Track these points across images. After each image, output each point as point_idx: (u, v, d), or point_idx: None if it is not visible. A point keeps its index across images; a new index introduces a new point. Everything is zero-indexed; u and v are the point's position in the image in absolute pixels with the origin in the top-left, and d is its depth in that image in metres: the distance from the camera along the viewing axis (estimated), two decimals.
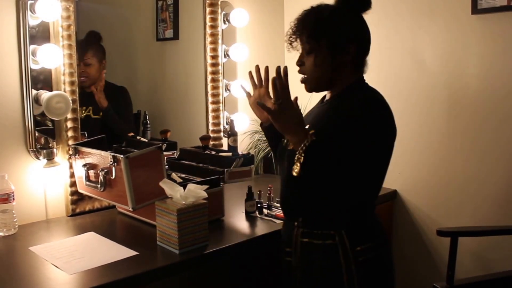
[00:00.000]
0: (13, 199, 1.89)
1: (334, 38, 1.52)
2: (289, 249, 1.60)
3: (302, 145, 1.39)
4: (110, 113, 2.37)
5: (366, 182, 1.49)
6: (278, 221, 1.99)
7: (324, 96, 1.69)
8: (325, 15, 1.53)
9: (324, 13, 1.53)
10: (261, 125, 1.83)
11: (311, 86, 1.59)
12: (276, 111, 1.41)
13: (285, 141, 1.61)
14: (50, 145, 2.06)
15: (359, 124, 1.44)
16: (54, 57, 1.97)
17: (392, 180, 2.54)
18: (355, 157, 1.42)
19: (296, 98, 1.48)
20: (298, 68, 1.62)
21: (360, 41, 1.55)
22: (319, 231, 1.52)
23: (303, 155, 1.38)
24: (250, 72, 1.83)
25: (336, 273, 1.50)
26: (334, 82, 1.57)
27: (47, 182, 2.10)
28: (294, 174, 1.39)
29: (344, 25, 1.53)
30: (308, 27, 1.53)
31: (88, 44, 2.32)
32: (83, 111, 2.30)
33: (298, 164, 1.38)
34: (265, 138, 2.77)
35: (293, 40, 1.59)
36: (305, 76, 1.59)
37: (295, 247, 1.58)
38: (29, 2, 1.94)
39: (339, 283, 1.50)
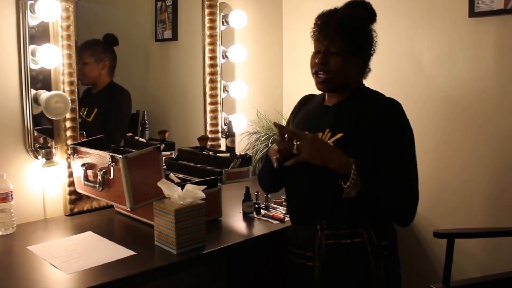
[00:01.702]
0: (12, 198, 1.90)
1: (363, 43, 1.59)
2: (310, 254, 1.60)
3: (353, 170, 1.41)
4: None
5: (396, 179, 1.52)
6: (275, 222, 2.00)
7: (323, 98, 1.70)
8: (359, 19, 1.59)
9: (358, 16, 1.59)
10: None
11: (332, 85, 1.59)
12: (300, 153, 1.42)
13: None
14: (49, 144, 2.06)
15: (400, 129, 1.53)
16: (53, 57, 1.98)
17: None
18: (395, 158, 1.49)
19: None
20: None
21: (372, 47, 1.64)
22: (346, 230, 1.54)
23: (357, 177, 1.41)
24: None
25: (366, 269, 1.53)
26: (348, 84, 1.60)
27: (46, 181, 2.10)
28: (353, 194, 1.41)
29: (369, 31, 1.61)
30: (345, 28, 1.54)
31: (89, 44, 2.34)
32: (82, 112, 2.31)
33: (354, 186, 1.41)
34: (263, 139, 2.80)
35: (321, 35, 1.57)
36: (328, 74, 1.56)
37: (318, 250, 1.58)
38: (29, 2, 1.95)
39: (369, 278, 1.53)
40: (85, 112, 2.32)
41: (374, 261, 1.53)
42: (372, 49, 1.63)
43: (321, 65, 1.56)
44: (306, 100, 1.80)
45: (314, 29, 1.60)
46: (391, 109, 1.53)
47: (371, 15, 1.63)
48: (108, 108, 2.44)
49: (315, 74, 1.59)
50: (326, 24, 1.55)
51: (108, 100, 2.45)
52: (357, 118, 1.55)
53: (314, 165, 1.52)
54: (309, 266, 1.60)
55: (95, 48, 2.37)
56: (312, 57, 1.61)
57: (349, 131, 1.53)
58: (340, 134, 1.53)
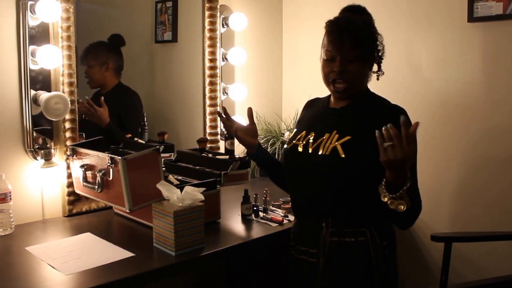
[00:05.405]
0: (10, 198, 1.90)
1: (376, 48, 1.63)
2: (314, 251, 1.61)
3: (405, 187, 1.40)
4: (111, 129, 2.36)
5: None
6: (273, 224, 2.01)
7: (328, 101, 1.71)
8: (370, 25, 1.62)
9: (368, 22, 1.62)
10: (247, 154, 1.92)
11: (351, 92, 1.61)
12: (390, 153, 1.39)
13: (299, 148, 1.64)
14: (48, 145, 2.06)
15: None
16: (53, 58, 1.98)
17: None
18: None
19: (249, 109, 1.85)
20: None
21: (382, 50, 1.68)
22: (351, 229, 1.57)
23: (406, 195, 1.41)
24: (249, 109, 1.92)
25: (367, 268, 1.56)
26: (360, 89, 1.64)
27: (44, 182, 2.10)
28: (401, 208, 1.40)
29: (378, 35, 1.64)
30: (360, 35, 1.56)
31: (93, 46, 2.35)
32: None
33: (402, 200, 1.41)
34: (262, 142, 2.80)
35: (336, 43, 1.56)
36: (347, 83, 1.58)
37: (323, 247, 1.60)
38: (29, 3, 1.95)
39: (369, 277, 1.56)
40: None
41: (376, 260, 1.56)
42: (382, 52, 1.66)
43: (340, 73, 1.56)
44: (311, 104, 1.83)
45: (328, 37, 1.59)
46: (397, 115, 1.52)
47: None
48: (124, 109, 2.44)
49: (332, 82, 1.59)
50: (340, 32, 1.55)
51: (119, 101, 2.44)
52: (364, 122, 1.57)
53: (321, 163, 1.55)
54: (312, 262, 1.62)
55: (97, 51, 2.38)
56: (326, 65, 1.60)
57: (356, 135, 1.55)
58: (348, 137, 1.55)
